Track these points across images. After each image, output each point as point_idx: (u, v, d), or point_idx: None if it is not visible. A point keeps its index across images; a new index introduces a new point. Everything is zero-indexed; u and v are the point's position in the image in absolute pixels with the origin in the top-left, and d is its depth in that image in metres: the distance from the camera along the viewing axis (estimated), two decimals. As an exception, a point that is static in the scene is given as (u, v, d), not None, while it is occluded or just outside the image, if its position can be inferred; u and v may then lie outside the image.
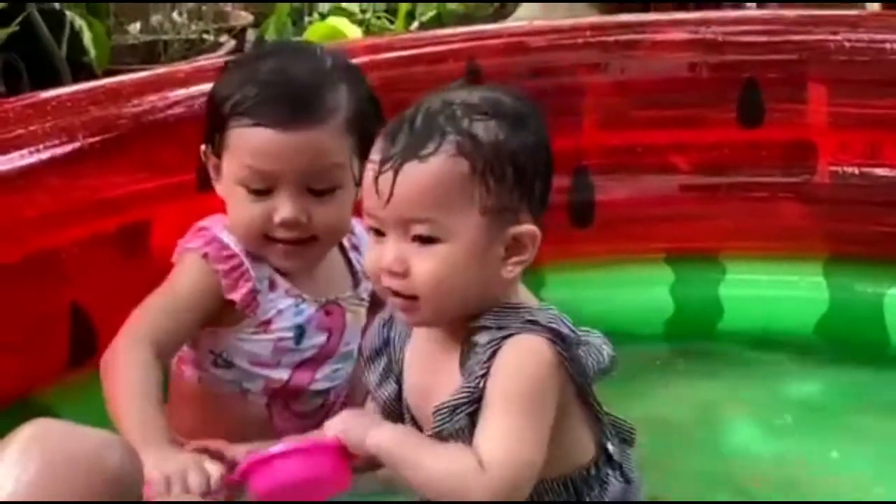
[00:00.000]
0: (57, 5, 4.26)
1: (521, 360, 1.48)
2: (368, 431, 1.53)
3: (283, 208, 1.78)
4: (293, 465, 1.55)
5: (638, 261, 2.52)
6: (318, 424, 1.85)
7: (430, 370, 1.59)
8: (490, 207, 1.50)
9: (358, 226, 1.89)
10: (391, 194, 1.48)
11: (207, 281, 1.82)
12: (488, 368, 1.49)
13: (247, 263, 1.83)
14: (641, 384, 2.26)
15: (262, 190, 1.80)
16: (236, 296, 1.82)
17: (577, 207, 2.47)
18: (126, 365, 1.74)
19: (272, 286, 1.85)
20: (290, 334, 1.85)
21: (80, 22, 4.25)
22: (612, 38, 2.48)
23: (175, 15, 5.27)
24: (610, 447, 1.60)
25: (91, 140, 1.97)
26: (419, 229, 1.49)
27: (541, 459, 1.47)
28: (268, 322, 1.84)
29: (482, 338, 1.51)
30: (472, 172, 1.49)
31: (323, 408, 1.92)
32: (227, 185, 1.83)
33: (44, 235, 1.95)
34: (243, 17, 5.43)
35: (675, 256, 2.53)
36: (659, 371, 2.38)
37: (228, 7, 5.43)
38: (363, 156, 1.77)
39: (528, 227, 1.52)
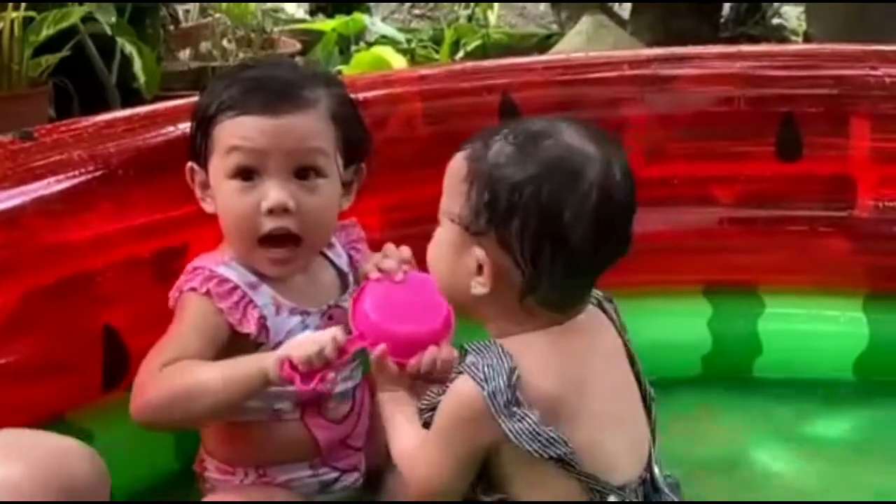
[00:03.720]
0: (108, 31, 4.33)
1: (450, 398, 1.58)
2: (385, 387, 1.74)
3: (271, 193, 1.81)
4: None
5: (675, 293, 2.50)
6: (352, 430, 1.96)
7: None
8: (459, 218, 1.57)
9: None
10: None
11: (214, 319, 1.83)
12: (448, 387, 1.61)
13: (249, 293, 1.85)
14: (677, 419, 2.24)
15: (249, 174, 1.82)
16: (250, 327, 1.84)
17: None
18: (167, 373, 1.77)
19: (278, 309, 1.87)
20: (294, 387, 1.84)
21: (130, 48, 4.31)
22: (650, 72, 2.48)
23: (224, 42, 5.35)
24: (610, 498, 1.58)
25: (127, 165, 1.99)
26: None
27: (456, 484, 1.60)
28: (280, 343, 1.84)
29: (467, 357, 1.58)
30: (465, 178, 1.56)
31: (352, 411, 1.96)
32: (217, 186, 1.85)
33: (79, 258, 1.97)
34: (291, 44, 5.50)
35: (714, 290, 2.51)
36: (695, 406, 2.36)
37: (276, 35, 5.50)
38: (347, 157, 1.88)
39: (482, 252, 1.55)
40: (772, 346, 2.46)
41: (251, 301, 1.85)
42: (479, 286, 1.57)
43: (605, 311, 1.68)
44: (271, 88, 1.83)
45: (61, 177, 1.92)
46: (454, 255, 1.59)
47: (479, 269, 1.56)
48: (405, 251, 1.87)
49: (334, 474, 1.97)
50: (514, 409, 1.51)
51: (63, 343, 1.93)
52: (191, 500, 1.92)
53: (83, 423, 1.97)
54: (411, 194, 2.33)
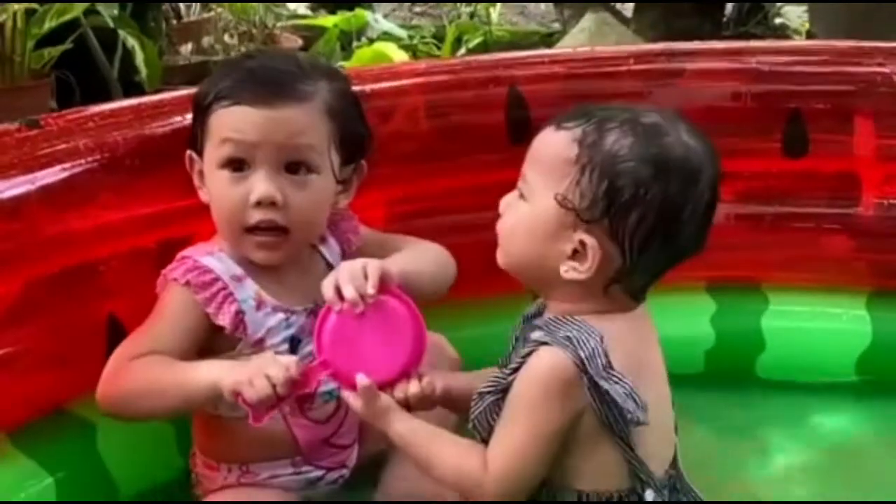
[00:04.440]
0: (111, 25, 4.32)
1: (538, 370, 1.55)
2: (389, 417, 1.67)
3: (259, 186, 1.81)
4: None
5: (678, 289, 2.49)
6: (336, 430, 1.95)
7: None
8: (568, 201, 1.55)
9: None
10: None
11: (192, 311, 1.83)
12: (521, 365, 1.57)
13: (231, 286, 1.84)
14: (680, 415, 2.23)
15: (240, 164, 1.82)
16: (224, 320, 1.83)
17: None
18: (133, 367, 1.77)
19: (259, 305, 1.85)
20: (285, 347, 1.85)
21: (132, 42, 4.30)
22: (655, 67, 2.47)
23: (226, 37, 5.35)
24: (647, 496, 1.59)
25: (132, 155, 1.99)
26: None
27: (539, 471, 1.58)
28: (261, 340, 1.85)
29: (534, 335, 1.58)
30: (574, 161, 1.55)
31: (338, 411, 1.94)
32: (209, 175, 1.85)
33: (84, 248, 1.96)
34: (292, 40, 5.50)
35: (717, 286, 2.51)
36: (698, 402, 2.35)
37: (278, 30, 5.50)
38: (343, 153, 1.86)
39: (592, 240, 1.55)
40: (775, 343, 2.45)
41: (230, 294, 1.84)
42: (575, 271, 1.57)
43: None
44: (266, 79, 1.82)
45: (67, 165, 1.92)
46: (549, 235, 1.58)
47: (575, 253, 1.57)
48: (371, 270, 1.73)
49: (318, 472, 1.96)
50: (612, 371, 1.53)
51: (67, 333, 1.93)
52: (190, 501, 1.91)
53: (86, 414, 1.96)
54: (416, 187, 2.34)
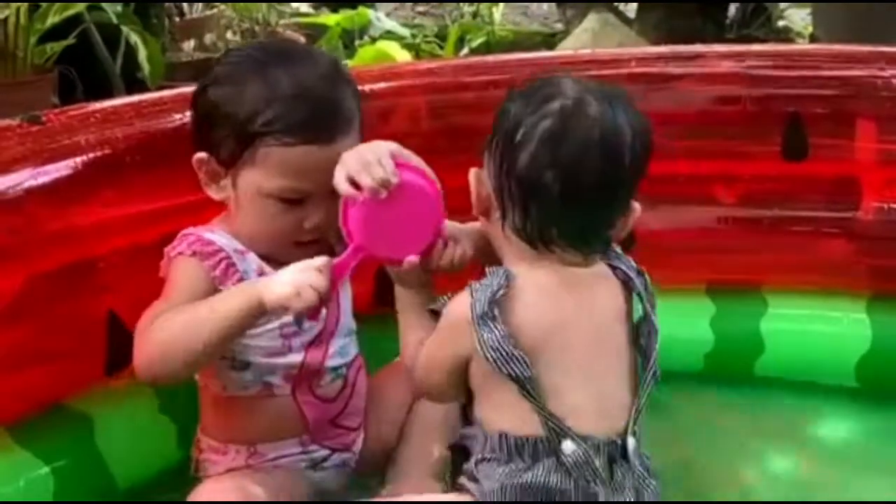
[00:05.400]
0: (114, 20, 4.33)
1: (448, 307, 1.72)
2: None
3: (316, 215, 1.84)
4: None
5: (678, 292, 2.50)
6: (343, 409, 1.98)
7: None
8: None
9: None
10: None
11: (203, 277, 1.84)
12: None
13: (234, 257, 1.86)
14: (678, 417, 2.24)
15: (296, 200, 1.84)
16: (228, 286, 1.83)
17: (618, 236, 2.46)
18: (159, 322, 1.76)
19: (261, 276, 1.86)
20: (291, 318, 1.84)
21: (135, 38, 4.31)
22: (657, 69, 2.47)
23: (229, 34, 5.36)
24: (564, 446, 1.64)
25: (133, 152, 1.99)
26: None
27: (441, 387, 1.75)
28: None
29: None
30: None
31: (344, 389, 1.97)
32: (250, 197, 1.85)
33: (84, 244, 1.97)
34: (295, 38, 5.50)
35: (717, 289, 2.51)
36: (696, 404, 2.36)
37: (280, 28, 5.51)
38: None
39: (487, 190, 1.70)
40: (774, 346, 2.45)
41: (233, 264, 1.86)
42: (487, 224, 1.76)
43: (629, 280, 1.75)
44: (318, 111, 1.82)
45: (68, 162, 1.92)
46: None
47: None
48: (383, 154, 1.72)
49: (324, 452, 1.98)
50: (488, 320, 1.62)
51: (67, 328, 1.93)
52: (191, 500, 1.92)
53: (85, 408, 1.97)
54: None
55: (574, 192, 1.63)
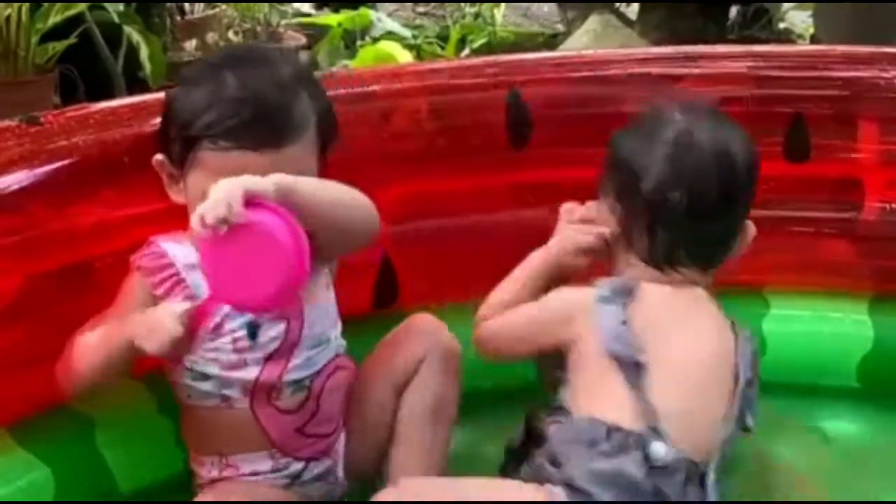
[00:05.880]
0: (115, 20, 4.33)
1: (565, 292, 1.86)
2: None
3: None
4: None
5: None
6: (310, 419, 1.92)
7: None
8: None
9: None
10: None
11: (141, 296, 1.83)
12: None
13: (183, 272, 1.83)
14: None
15: None
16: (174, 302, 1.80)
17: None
18: (77, 339, 1.80)
19: None
20: (244, 332, 1.84)
21: (137, 38, 4.31)
22: (657, 70, 2.46)
23: (230, 34, 5.35)
24: (653, 446, 1.69)
25: (131, 153, 1.98)
26: None
27: (509, 351, 1.91)
28: (219, 326, 1.84)
29: None
30: None
31: (308, 401, 1.91)
32: (197, 202, 1.72)
33: (83, 245, 1.97)
34: (296, 38, 5.50)
35: (718, 289, 2.50)
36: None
37: (282, 28, 5.51)
38: (322, 153, 1.86)
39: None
40: (776, 346, 2.44)
41: (182, 280, 1.83)
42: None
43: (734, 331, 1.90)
44: (262, 116, 1.77)
45: (65, 163, 1.91)
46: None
47: None
48: (231, 191, 1.64)
49: (298, 465, 1.93)
50: (611, 304, 1.77)
51: (66, 329, 1.92)
52: (190, 500, 1.92)
53: (85, 409, 1.97)
54: (417, 188, 2.33)
55: (699, 207, 1.76)
